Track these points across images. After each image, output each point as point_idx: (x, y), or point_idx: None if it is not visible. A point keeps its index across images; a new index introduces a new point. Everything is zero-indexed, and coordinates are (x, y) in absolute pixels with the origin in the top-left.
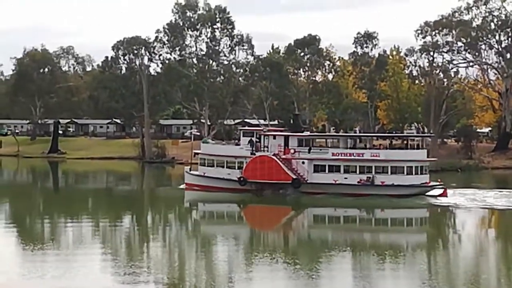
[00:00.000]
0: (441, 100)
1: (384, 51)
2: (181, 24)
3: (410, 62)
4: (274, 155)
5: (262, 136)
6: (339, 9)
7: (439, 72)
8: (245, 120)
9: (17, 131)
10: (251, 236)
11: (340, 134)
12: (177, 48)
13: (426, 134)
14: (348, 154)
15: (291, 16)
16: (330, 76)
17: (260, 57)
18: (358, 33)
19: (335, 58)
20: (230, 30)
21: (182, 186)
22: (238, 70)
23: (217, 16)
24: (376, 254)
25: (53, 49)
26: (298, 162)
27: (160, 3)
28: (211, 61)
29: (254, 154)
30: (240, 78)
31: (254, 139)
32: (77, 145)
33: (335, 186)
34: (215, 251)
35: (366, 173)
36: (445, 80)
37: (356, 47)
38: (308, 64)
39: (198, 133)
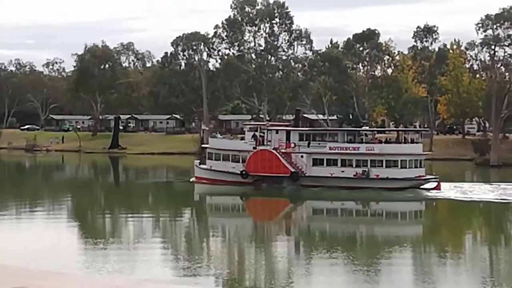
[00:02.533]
0: (502, 95)
1: (444, 45)
2: (240, 20)
3: (471, 56)
4: (274, 149)
5: (266, 131)
6: (399, 3)
7: (501, 66)
8: (304, 115)
9: (78, 126)
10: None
11: (339, 128)
12: (235, 44)
13: (421, 129)
14: (344, 148)
15: (350, 10)
16: (389, 71)
17: (319, 52)
18: (418, 27)
19: (394, 53)
20: (288, 25)
21: (192, 179)
22: (296, 65)
23: (275, 11)
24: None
25: (114, 45)
26: (297, 156)
27: None
28: (269, 56)
29: (256, 148)
30: (298, 73)
31: (257, 133)
32: (137, 141)
33: (332, 179)
34: (272, 245)
35: (362, 166)
36: (506, 74)
37: (416, 41)
38: (367, 59)
39: (207, 128)
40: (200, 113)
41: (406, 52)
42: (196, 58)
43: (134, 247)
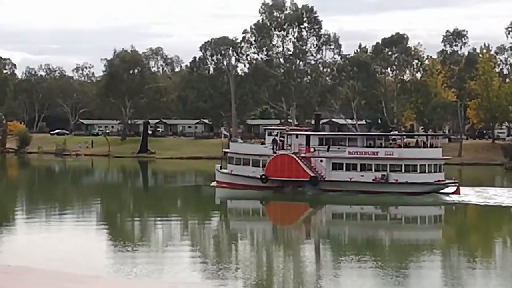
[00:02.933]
0: None
1: (474, 49)
2: (268, 24)
3: (501, 60)
4: (294, 153)
5: (286, 136)
6: (428, 7)
7: None
8: (333, 119)
9: (108, 131)
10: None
11: (358, 133)
12: (264, 48)
13: (439, 133)
14: (363, 153)
15: (379, 15)
16: (418, 75)
17: (348, 56)
18: (447, 31)
19: (423, 57)
20: (317, 30)
21: (213, 184)
22: (325, 70)
23: (304, 15)
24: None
25: (142, 50)
26: (317, 160)
27: (248, 3)
28: (298, 61)
29: (276, 153)
30: (327, 78)
31: (277, 138)
32: (166, 145)
33: (351, 184)
34: (298, 249)
35: (381, 171)
36: None
37: (445, 45)
38: (396, 63)
39: (228, 134)
40: (228, 117)
41: (435, 56)
42: (225, 63)
43: (162, 250)
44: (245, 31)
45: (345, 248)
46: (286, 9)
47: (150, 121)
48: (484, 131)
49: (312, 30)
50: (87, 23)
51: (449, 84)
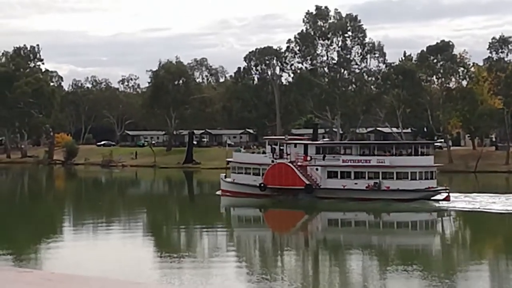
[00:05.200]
0: None
1: None
2: (312, 34)
3: None
4: (290, 162)
5: (285, 145)
6: (474, 14)
7: None
8: (377, 128)
9: (153, 142)
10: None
11: (353, 142)
12: (308, 58)
13: (431, 141)
14: (357, 161)
15: (424, 22)
16: (464, 83)
17: (392, 64)
18: (493, 38)
19: (469, 64)
20: (361, 39)
21: (218, 193)
22: (370, 78)
23: (348, 24)
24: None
25: (187, 61)
26: (313, 169)
27: (292, 13)
28: (342, 70)
29: (274, 162)
30: (372, 86)
31: (276, 147)
32: (211, 155)
33: (345, 191)
34: (341, 259)
35: (374, 178)
36: None
37: (491, 52)
38: (441, 71)
39: (233, 143)
40: (273, 127)
41: (481, 63)
42: (269, 73)
43: (207, 259)
44: (289, 41)
45: (385, 257)
46: (330, 18)
47: (195, 131)
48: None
49: (356, 38)
50: (136, 35)
51: (495, 91)
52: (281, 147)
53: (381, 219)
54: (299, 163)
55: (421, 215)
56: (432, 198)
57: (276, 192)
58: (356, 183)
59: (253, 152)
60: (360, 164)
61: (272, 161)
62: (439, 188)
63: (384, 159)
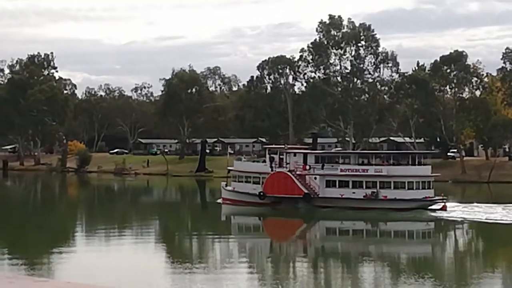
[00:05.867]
0: None
1: None
2: (326, 43)
3: None
4: (289, 171)
5: (285, 154)
6: (488, 25)
7: None
8: (390, 137)
9: (166, 150)
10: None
11: (352, 151)
12: (321, 67)
13: (428, 151)
14: (355, 170)
15: (437, 32)
16: (477, 93)
17: (406, 74)
18: (507, 48)
19: (482, 74)
20: (374, 48)
21: (219, 201)
22: (383, 88)
23: (361, 34)
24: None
25: (200, 69)
26: (311, 178)
27: (305, 22)
28: (355, 79)
29: (273, 171)
30: (385, 96)
31: (275, 156)
32: (224, 164)
33: (343, 200)
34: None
35: (371, 188)
36: None
37: (504, 62)
38: (454, 81)
39: (233, 152)
40: (285, 136)
41: (494, 73)
42: (282, 82)
43: (219, 268)
44: (302, 50)
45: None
46: (344, 28)
47: (208, 140)
48: None
49: (370, 48)
50: (149, 44)
51: (509, 102)
52: (281, 156)
53: (378, 228)
54: (298, 172)
55: (418, 224)
56: (429, 207)
57: (275, 201)
58: (354, 192)
59: (253, 161)
60: (358, 173)
61: (272, 170)
62: (436, 197)
63: (381, 169)
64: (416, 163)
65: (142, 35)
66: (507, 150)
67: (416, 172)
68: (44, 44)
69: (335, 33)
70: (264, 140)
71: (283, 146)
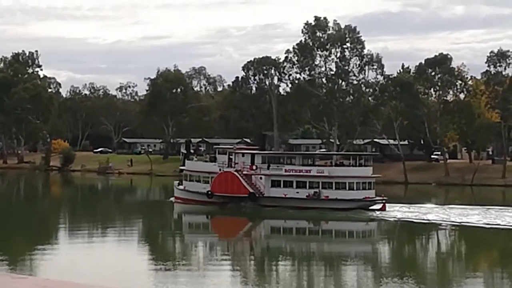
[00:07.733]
0: None
1: None
2: (311, 44)
3: None
4: (236, 171)
5: (234, 154)
6: (472, 28)
7: None
8: (375, 139)
9: (150, 149)
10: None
11: (296, 152)
12: (306, 68)
13: (369, 153)
14: (298, 171)
15: (422, 35)
16: (461, 96)
17: (390, 76)
18: (491, 52)
19: (467, 78)
20: (360, 50)
21: (172, 199)
22: (367, 90)
23: (347, 36)
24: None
25: (185, 69)
26: (257, 178)
27: (290, 24)
28: (340, 81)
29: (221, 170)
30: (369, 98)
31: (224, 156)
32: None
33: (287, 200)
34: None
35: (314, 188)
36: None
37: (489, 66)
38: (439, 84)
39: (185, 151)
40: (270, 137)
41: (479, 77)
42: (267, 83)
43: (202, 268)
44: (287, 51)
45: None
46: (329, 29)
47: (192, 140)
48: None
49: (355, 50)
50: (134, 43)
51: (492, 105)
52: (230, 156)
53: (320, 227)
54: (244, 172)
55: (357, 224)
56: (369, 207)
57: (222, 200)
58: (297, 192)
59: (205, 161)
60: (302, 174)
61: (220, 170)
62: (376, 198)
63: (323, 169)
64: (358, 164)
65: (127, 34)
66: (490, 153)
67: (357, 173)
68: (30, 43)
69: (321, 35)
70: (248, 140)
71: (232, 146)
